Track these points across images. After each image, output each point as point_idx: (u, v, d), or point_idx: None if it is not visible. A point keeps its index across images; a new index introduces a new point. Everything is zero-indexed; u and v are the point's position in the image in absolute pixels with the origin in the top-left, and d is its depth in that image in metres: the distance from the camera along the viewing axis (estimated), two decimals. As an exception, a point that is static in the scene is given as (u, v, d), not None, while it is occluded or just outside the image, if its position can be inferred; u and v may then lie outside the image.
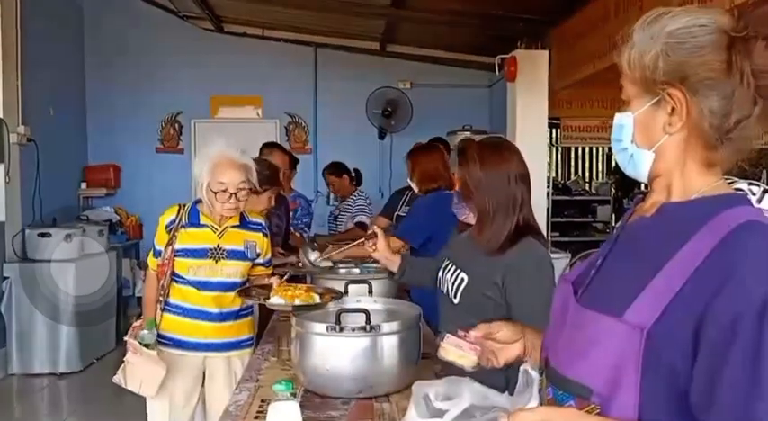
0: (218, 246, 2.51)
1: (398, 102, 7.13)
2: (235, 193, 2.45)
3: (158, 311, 2.52)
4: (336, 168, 5.26)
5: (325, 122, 7.32)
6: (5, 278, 4.93)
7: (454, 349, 1.30)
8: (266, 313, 3.22)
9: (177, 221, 2.52)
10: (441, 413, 1.09)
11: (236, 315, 2.58)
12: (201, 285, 2.49)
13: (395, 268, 2.37)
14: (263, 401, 1.87)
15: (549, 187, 7.21)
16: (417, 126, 6.87)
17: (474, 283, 1.87)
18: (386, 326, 1.89)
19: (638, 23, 0.98)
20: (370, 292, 2.38)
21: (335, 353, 1.87)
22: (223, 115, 7.26)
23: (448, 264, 2.01)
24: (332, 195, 5.88)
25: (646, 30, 0.96)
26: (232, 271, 2.53)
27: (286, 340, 2.30)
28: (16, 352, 4.96)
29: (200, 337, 2.53)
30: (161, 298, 2.52)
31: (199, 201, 2.57)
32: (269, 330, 2.82)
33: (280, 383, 1.55)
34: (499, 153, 1.93)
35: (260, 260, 2.64)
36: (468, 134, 6.23)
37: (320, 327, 1.89)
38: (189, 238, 2.50)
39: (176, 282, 2.52)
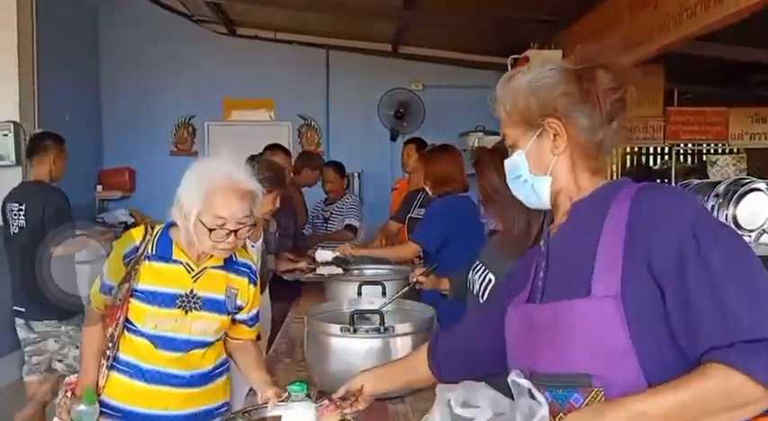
0: (191, 291, 1.84)
1: (410, 103, 7.14)
2: (235, 231, 1.78)
3: (103, 368, 1.85)
4: (340, 167, 5.03)
5: (337, 124, 7.33)
6: (22, 280, 4.96)
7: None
8: (282, 313, 3.23)
9: (141, 250, 1.85)
10: (463, 421, 1.09)
11: (207, 377, 1.90)
12: (160, 342, 1.83)
13: None
14: (277, 402, 1.87)
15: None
16: (429, 127, 6.87)
17: None
18: (399, 328, 1.90)
19: (498, 85, 1.23)
20: (384, 294, 2.39)
21: (349, 355, 1.87)
22: (236, 118, 7.30)
23: (478, 265, 2.00)
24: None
25: (508, 86, 1.21)
26: (204, 327, 1.86)
27: (300, 341, 2.31)
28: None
29: (158, 409, 1.83)
30: (108, 351, 1.84)
31: (173, 225, 1.88)
32: (283, 331, 2.83)
33: (294, 384, 1.55)
34: None
35: (241, 315, 1.95)
36: (480, 135, 6.21)
37: (334, 329, 1.90)
38: (154, 277, 1.83)
39: (128, 330, 1.85)
